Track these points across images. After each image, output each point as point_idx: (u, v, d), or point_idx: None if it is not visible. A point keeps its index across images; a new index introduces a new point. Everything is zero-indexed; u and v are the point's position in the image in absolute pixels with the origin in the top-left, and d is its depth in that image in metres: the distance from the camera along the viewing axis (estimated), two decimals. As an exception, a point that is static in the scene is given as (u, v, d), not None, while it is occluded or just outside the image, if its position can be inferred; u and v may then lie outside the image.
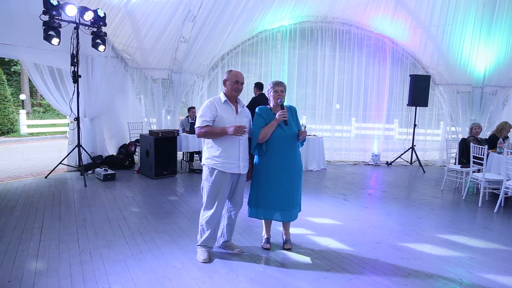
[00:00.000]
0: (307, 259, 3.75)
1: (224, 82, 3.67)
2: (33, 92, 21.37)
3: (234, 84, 3.61)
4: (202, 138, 3.68)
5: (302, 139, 3.81)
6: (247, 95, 10.11)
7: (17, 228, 4.36)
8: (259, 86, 7.81)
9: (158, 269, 3.43)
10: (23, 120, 14.62)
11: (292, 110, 3.89)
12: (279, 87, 3.77)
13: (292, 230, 4.21)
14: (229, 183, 3.63)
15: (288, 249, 3.95)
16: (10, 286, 3.08)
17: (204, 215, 3.67)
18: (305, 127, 3.74)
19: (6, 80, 14.98)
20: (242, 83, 3.67)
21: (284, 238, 4.06)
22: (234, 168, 3.58)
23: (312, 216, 5.12)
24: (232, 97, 3.67)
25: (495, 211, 5.56)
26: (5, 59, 19.82)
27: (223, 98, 3.62)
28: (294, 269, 3.52)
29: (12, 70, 21.29)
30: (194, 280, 3.24)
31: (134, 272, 3.36)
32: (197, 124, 3.57)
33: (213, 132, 3.50)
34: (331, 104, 10.26)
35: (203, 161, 3.69)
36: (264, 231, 4.07)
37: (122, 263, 3.52)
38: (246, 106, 3.87)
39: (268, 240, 4.01)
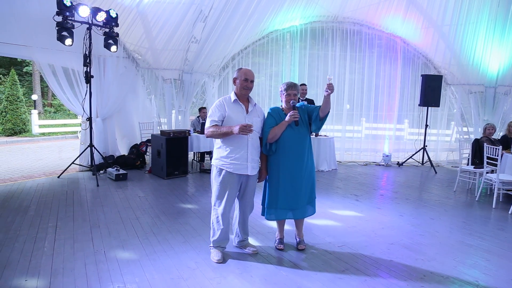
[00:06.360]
0: (321, 260, 3.73)
1: (234, 80, 3.64)
2: (44, 92, 21.63)
3: (243, 82, 3.55)
4: (213, 139, 3.68)
5: (330, 92, 3.47)
6: (257, 95, 10.15)
7: (32, 227, 4.41)
8: None
9: (172, 269, 3.44)
10: (35, 120, 14.77)
11: (303, 109, 3.82)
12: (292, 91, 3.71)
13: (305, 231, 4.19)
14: (237, 184, 3.61)
15: (302, 250, 3.93)
16: (27, 285, 3.12)
17: (213, 215, 3.69)
18: (330, 79, 3.61)
19: (18, 81, 15.16)
20: (252, 81, 3.60)
21: (298, 239, 4.05)
22: (242, 169, 3.55)
23: (324, 217, 5.09)
24: (242, 95, 3.62)
25: (509, 212, 5.48)
26: (18, 60, 20.07)
27: (233, 97, 3.60)
28: (309, 270, 3.50)
29: (24, 70, 21.55)
30: (209, 280, 3.24)
31: (149, 272, 3.37)
32: (206, 124, 3.58)
33: (220, 132, 3.46)
34: (341, 104, 10.21)
35: (212, 161, 3.70)
36: (277, 232, 4.06)
37: (136, 263, 3.54)
38: None
39: (281, 241, 4.00)
